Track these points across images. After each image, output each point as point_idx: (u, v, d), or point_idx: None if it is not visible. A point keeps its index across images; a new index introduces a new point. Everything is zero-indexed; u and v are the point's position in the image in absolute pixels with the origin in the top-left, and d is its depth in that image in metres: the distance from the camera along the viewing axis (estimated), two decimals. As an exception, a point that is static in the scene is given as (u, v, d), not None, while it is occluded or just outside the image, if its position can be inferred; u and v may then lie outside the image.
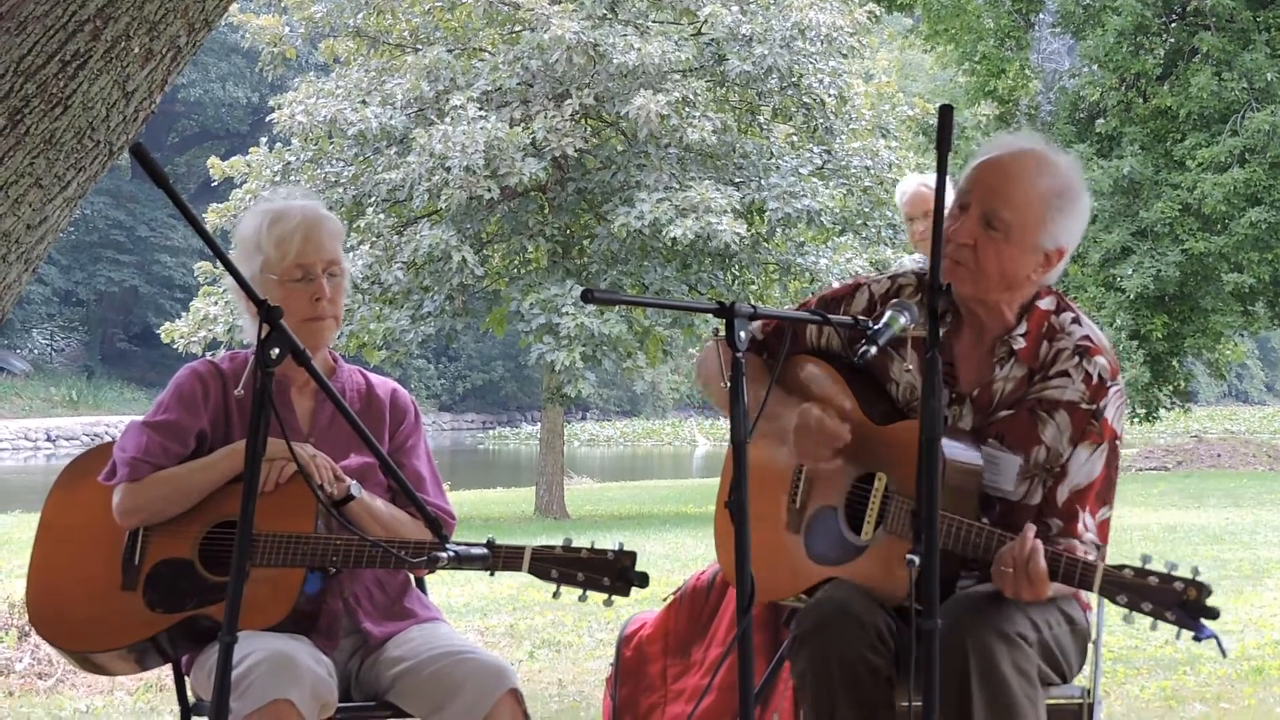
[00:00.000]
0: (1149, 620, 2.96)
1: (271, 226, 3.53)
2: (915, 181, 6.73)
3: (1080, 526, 3.26)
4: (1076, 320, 3.37)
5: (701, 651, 4.63)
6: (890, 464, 3.31)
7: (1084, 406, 3.27)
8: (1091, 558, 3.14)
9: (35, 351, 47.30)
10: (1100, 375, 3.29)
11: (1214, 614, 2.93)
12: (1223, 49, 23.22)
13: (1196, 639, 2.93)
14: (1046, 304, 3.37)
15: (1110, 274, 23.68)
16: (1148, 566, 2.98)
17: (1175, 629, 2.95)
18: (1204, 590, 2.94)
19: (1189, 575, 2.95)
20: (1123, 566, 3.01)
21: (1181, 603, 2.94)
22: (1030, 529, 3.10)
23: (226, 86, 48.24)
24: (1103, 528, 3.32)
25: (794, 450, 3.38)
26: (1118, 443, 3.34)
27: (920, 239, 6.66)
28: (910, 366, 3.34)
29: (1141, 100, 24.27)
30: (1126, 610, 2.98)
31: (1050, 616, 3.25)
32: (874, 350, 2.95)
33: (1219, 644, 2.97)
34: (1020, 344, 3.33)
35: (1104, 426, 3.28)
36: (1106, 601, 3.03)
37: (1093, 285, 23.89)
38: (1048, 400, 3.30)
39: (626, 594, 3.25)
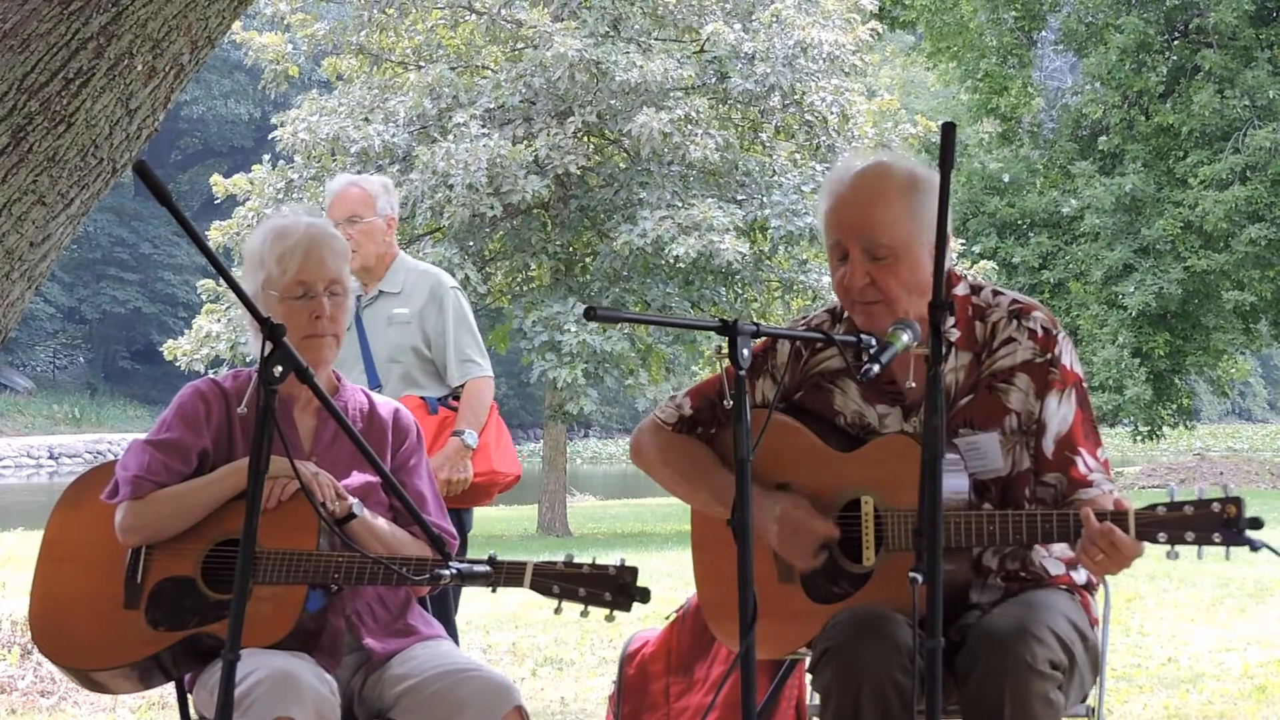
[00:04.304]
0: (1194, 550, 2.97)
1: (275, 243, 3.54)
2: (345, 181, 5.47)
3: (1082, 468, 3.27)
4: (997, 292, 3.40)
5: (704, 669, 4.62)
6: (870, 485, 3.29)
7: (1038, 360, 3.30)
8: (1125, 505, 3.10)
9: (38, 369, 47.36)
10: (1044, 328, 3.32)
11: (1258, 523, 2.96)
12: (1225, 66, 23.26)
13: (1253, 549, 2.94)
14: (961, 290, 3.38)
15: (1112, 291, 23.69)
16: (1176, 499, 3.00)
17: (1224, 549, 2.96)
18: (1240, 504, 2.97)
19: (1219, 495, 2.97)
20: (1153, 506, 3.03)
21: (1223, 522, 2.96)
22: (1087, 513, 3.06)
23: (229, 104, 48.34)
24: (1104, 467, 3.32)
25: (778, 547, 3.35)
26: (1083, 385, 3.37)
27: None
28: (909, 386, 3.33)
29: (1144, 118, 24.31)
30: (1169, 546, 2.99)
31: (1074, 636, 3.20)
32: (876, 369, 2.94)
33: (1271, 549, 2.97)
34: (955, 334, 3.34)
35: (1064, 372, 3.31)
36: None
37: (1094, 303, 23.90)
38: (1002, 370, 3.32)
39: (628, 609, 3.24)
